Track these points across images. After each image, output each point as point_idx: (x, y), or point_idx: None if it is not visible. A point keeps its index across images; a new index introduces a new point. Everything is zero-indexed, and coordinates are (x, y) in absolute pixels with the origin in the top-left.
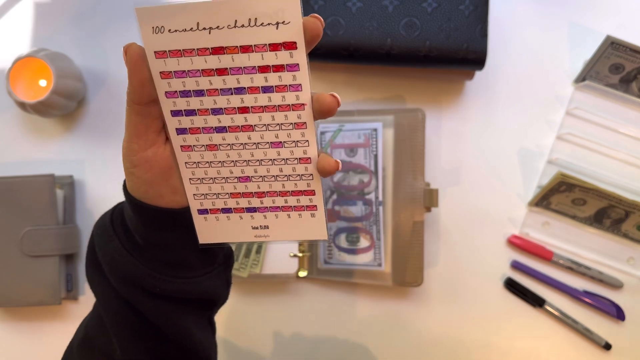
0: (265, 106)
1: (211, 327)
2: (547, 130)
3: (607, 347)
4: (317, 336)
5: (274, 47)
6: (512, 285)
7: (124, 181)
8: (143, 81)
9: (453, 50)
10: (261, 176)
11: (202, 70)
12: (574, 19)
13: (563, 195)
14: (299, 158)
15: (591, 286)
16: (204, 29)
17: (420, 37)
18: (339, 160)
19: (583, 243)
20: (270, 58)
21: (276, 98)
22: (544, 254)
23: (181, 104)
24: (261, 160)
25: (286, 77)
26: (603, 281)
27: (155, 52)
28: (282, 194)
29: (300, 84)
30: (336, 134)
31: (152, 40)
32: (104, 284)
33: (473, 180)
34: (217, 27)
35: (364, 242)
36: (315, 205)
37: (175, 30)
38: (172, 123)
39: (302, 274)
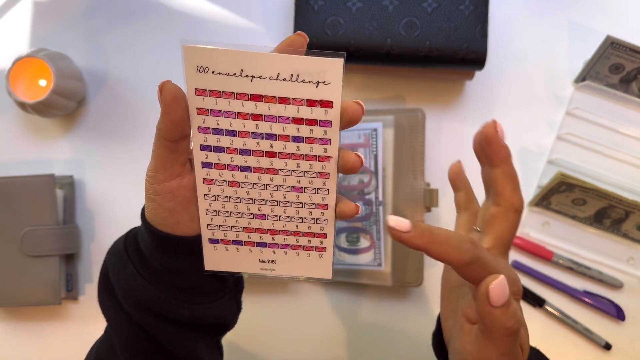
0: (292, 154)
1: (219, 350)
2: (547, 130)
3: (607, 347)
4: (317, 336)
5: (311, 103)
6: None
7: (143, 207)
8: (176, 121)
9: (453, 51)
10: (277, 215)
11: (237, 112)
12: (573, 19)
13: (563, 195)
14: (317, 204)
15: (591, 286)
16: (247, 76)
17: (420, 37)
18: (359, 205)
19: (583, 243)
20: (306, 112)
21: (304, 148)
22: (544, 254)
23: (211, 140)
24: (280, 201)
25: (317, 131)
26: (603, 281)
27: (196, 89)
28: (295, 233)
29: (330, 139)
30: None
31: (194, 77)
32: (117, 309)
33: (473, 180)
34: (260, 76)
35: (364, 242)
36: (325, 247)
37: (219, 73)
38: (199, 156)
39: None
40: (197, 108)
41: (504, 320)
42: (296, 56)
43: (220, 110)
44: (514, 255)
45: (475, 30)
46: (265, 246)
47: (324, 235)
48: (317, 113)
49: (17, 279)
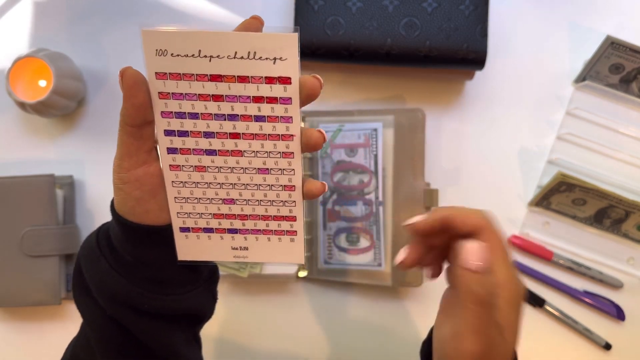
0: (255, 134)
1: (197, 343)
2: (547, 130)
3: (607, 347)
4: (317, 336)
5: (270, 80)
6: None
7: (112, 199)
8: (138, 105)
9: (453, 50)
10: (245, 200)
11: (199, 94)
12: (574, 19)
13: (563, 195)
14: (284, 185)
15: (591, 286)
16: (205, 56)
17: (420, 37)
18: (324, 182)
19: (583, 243)
20: (265, 90)
21: (267, 127)
22: (544, 254)
23: (175, 124)
24: (247, 184)
25: (278, 109)
26: (603, 281)
27: (156, 72)
28: (264, 217)
29: (291, 117)
30: (336, 134)
31: (154, 61)
32: (91, 304)
33: (473, 180)
34: (218, 56)
35: (364, 242)
36: (296, 231)
37: (178, 55)
38: (163, 142)
39: (302, 274)
40: (159, 92)
41: (472, 284)
42: (252, 33)
43: (182, 93)
44: (514, 256)
45: (476, 30)
46: (237, 232)
47: (294, 218)
48: (277, 90)
49: (17, 279)
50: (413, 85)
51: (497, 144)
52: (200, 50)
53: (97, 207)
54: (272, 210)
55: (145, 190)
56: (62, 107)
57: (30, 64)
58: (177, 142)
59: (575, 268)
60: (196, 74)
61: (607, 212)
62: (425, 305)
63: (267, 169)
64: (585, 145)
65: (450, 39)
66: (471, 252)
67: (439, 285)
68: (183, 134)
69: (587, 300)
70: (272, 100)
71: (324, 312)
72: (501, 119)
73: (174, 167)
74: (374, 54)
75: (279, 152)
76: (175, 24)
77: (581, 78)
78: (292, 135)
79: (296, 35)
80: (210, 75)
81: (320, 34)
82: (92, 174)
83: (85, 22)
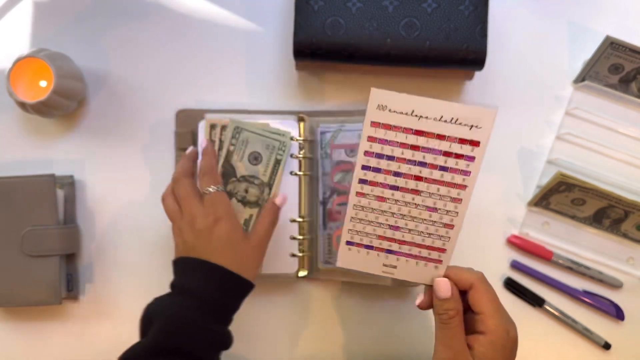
0: (436, 180)
1: None
2: (546, 131)
3: (607, 346)
4: (317, 336)
5: (462, 141)
6: (511, 285)
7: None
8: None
9: (453, 51)
10: (409, 229)
11: (400, 142)
12: (573, 19)
13: (562, 195)
14: (445, 224)
15: (591, 286)
16: (416, 115)
17: (420, 38)
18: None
19: (583, 243)
20: (456, 148)
21: (447, 176)
22: (543, 254)
23: (373, 162)
24: (414, 217)
25: (461, 164)
26: (603, 281)
27: (372, 121)
28: (419, 246)
29: (470, 172)
30: (336, 134)
31: (373, 112)
32: None
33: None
34: (427, 117)
35: None
36: (442, 260)
37: (394, 111)
38: (358, 173)
39: (302, 273)
40: (368, 136)
41: (438, 308)
42: (460, 105)
43: (387, 140)
44: (514, 255)
45: (475, 30)
46: (392, 253)
47: (444, 250)
48: (465, 149)
49: (17, 279)
50: (413, 85)
51: (496, 144)
52: (413, 110)
53: (97, 206)
54: (428, 241)
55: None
56: (63, 107)
57: (31, 64)
58: (370, 175)
59: (574, 268)
60: (403, 127)
61: (606, 212)
62: None
63: (436, 208)
64: (585, 145)
65: (450, 39)
66: (439, 285)
67: None
68: (377, 170)
69: (586, 300)
70: (459, 156)
71: (324, 312)
72: (501, 119)
73: (359, 194)
74: (374, 54)
75: (451, 197)
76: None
77: (580, 78)
78: (466, 186)
79: (496, 112)
80: (415, 129)
81: (320, 34)
82: (93, 174)
83: (86, 22)
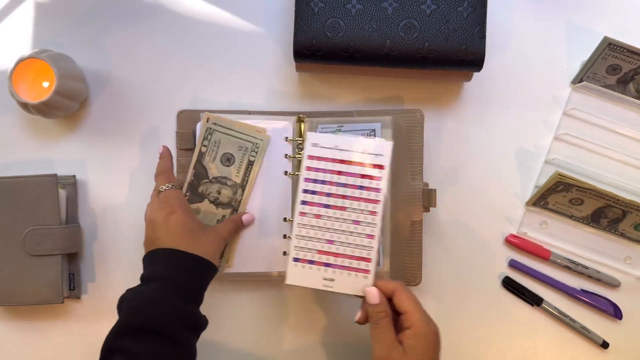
0: (357, 197)
1: None
2: (544, 131)
3: (605, 345)
4: (316, 335)
5: (374, 166)
6: (510, 284)
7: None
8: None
9: (451, 52)
10: (341, 242)
11: (330, 170)
12: (571, 20)
13: (560, 195)
14: (367, 234)
15: (589, 285)
16: (342, 150)
17: (419, 39)
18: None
19: (580, 242)
20: (369, 171)
21: (364, 193)
22: (541, 253)
23: (311, 186)
24: (344, 231)
25: (374, 183)
26: (600, 280)
27: (308, 155)
28: (350, 257)
29: (380, 189)
30: (335, 134)
31: (309, 149)
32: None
33: (471, 180)
34: (347, 149)
35: None
36: (369, 270)
37: (324, 147)
38: (300, 196)
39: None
40: (307, 166)
41: (370, 311)
42: (368, 139)
43: (319, 168)
44: (512, 255)
45: (474, 31)
46: (330, 266)
47: (369, 260)
48: (375, 172)
49: (19, 278)
50: (412, 86)
51: (495, 144)
52: (336, 145)
53: (99, 206)
54: (356, 252)
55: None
56: (65, 107)
57: (33, 65)
58: (309, 197)
59: (572, 267)
60: (332, 158)
61: (604, 212)
62: (423, 303)
63: (359, 221)
64: (583, 146)
65: (448, 41)
66: (369, 293)
67: (437, 284)
68: (314, 192)
69: (584, 299)
70: (371, 177)
71: (323, 311)
72: (499, 120)
73: (302, 214)
74: (373, 56)
75: (369, 211)
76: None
77: (578, 79)
78: (378, 200)
79: (392, 143)
80: (340, 159)
81: (320, 35)
82: (95, 174)
83: (88, 23)
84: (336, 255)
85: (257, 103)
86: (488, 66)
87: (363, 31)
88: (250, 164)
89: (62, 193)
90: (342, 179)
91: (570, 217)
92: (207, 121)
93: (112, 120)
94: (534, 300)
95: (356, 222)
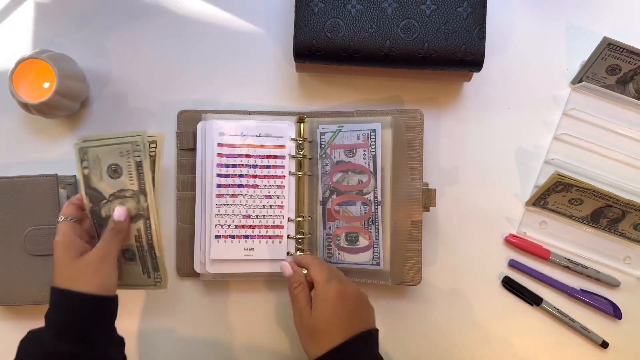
0: (266, 175)
1: None
2: (544, 131)
3: (605, 345)
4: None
5: (276, 146)
6: (509, 284)
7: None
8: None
9: (451, 52)
10: (257, 215)
11: (238, 154)
12: (571, 21)
13: (560, 195)
14: (277, 205)
15: (588, 285)
16: (244, 135)
17: (418, 39)
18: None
19: (580, 242)
20: (273, 151)
21: (272, 171)
22: (541, 253)
23: (223, 171)
24: (258, 205)
25: (278, 161)
26: (600, 280)
27: (218, 143)
28: (265, 227)
29: (284, 166)
30: (335, 134)
31: (218, 137)
32: None
33: (471, 180)
34: (251, 135)
35: (362, 242)
36: (282, 236)
37: (230, 135)
38: (215, 180)
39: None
40: (217, 153)
41: (288, 283)
42: (268, 123)
43: (230, 154)
44: (512, 255)
45: (473, 32)
46: (249, 237)
47: (281, 227)
48: (278, 152)
49: (20, 278)
50: (411, 86)
51: (494, 144)
52: (242, 132)
53: None
54: (269, 221)
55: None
56: (65, 108)
57: (34, 65)
58: (222, 180)
59: (572, 267)
60: (238, 144)
61: (603, 212)
62: (422, 303)
63: (270, 195)
64: (582, 146)
65: (448, 41)
66: (283, 267)
67: (437, 284)
68: (227, 176)
69: (584, 299)
70: (275, 157)
71: None
72: (499, 120)
73: (218, 195)
74: (373, 56)
75: (277, 185)
76: (229, 114)
77: (578, 79)
78: (283, 176)
79: (289, 124)
80: (247, 144)
81: (320, 36)
82: None
83: (88, 23)
84: (253, 227)
85: (257, 103)
86: (488, 66)
87: (363, 31)
88: (139, 165)
89: (63, 193)
90: (251, 161)
91: (570, 217)
92: (76, 145)
93: (113, 120)
94: (534, 300)
95: (267, 197)
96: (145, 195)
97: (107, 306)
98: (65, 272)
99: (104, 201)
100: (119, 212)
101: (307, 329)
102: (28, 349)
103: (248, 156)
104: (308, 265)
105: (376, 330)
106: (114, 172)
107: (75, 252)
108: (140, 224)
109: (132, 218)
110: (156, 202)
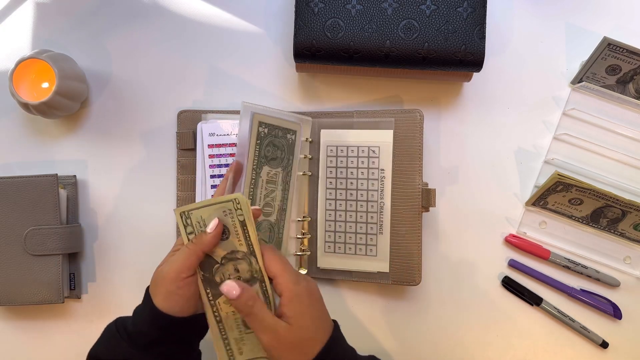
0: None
1: None
2: (544, 131)
3: (604, 345)
4: None
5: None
6: (509, 284)
7: (149, 303)
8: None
9: (451, 52)
10: None
11: (230, 154)
12: (571, 21)
13: (560, 195)
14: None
15: (588, 285)
16: (230, 135)
17: (418, 39)
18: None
19: (580, 242)
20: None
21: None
22: (541, 253)
23: (216, 171)
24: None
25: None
26: (600, 280)
27: (208, 144)
28: None
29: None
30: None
31: (208, 138)
32: None
33: (471, 180)
34: (235, 134)
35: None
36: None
37: (219, 135)
38: (208, 182)
39: (302, 272)
40: (209, 154)
41: (236, 306)
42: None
43: (218, 154)
44: (512, 255)
45: (473, 32)
46: None
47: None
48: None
49: (20, 278)
50: (411, 86)
51: (494, 144)
52: (231, 131)
53: (100, 206)
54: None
55: (192, 291)
56: (65, 108)
57: (34, 65)
58: (217, 181)
59: (572, 267)
60: (229, 143)
61: (603, 212)
62: (423, 303)
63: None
64: (582, 146)
65: (448, 41)
66: (227, 289)
67: (437, 284)
68: (220, 176)
69: (584, 298)
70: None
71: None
72: (499, 120)
73: (213, 187)
74: (373, 56)
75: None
76: (220, 113)
77: (578, 79)
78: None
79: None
80: (229, 144)
81: (320, 36)
82: (95, 174)
83: (88, 23)
84: None
85: (258, 103)
86: (488, 66)
87: (363, 32)
88: (243, 224)
89: (63, 193)
90: (230, 161)
91: (570, 217)
92: (176, 210)
93: (113, 120)
94: (534, 300)
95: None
96: (255, 256)
97: (181, 327)
98: (153, 287)
99: (217, 265)
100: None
101: (290, 343)
102: (106, 344)
103: (233, 155)
104: (264, 255)
105: (335, 321)
106: (222, 233)
107: (163, 266)
108: (257, 287)
109: (248, 280)
110: (262, 263)
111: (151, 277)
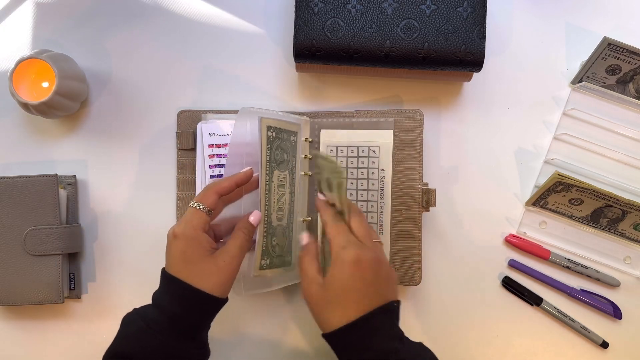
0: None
1: None
2: (544, 131)
3: (605, 345)
4: (316, 335)
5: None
6: (509, 284)
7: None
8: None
9: (451, 52)
10: None
11: (222, 154)
12: (571, 20)
13: (560, 195)
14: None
15: (588, 285)
16: (229, 135)
17: (418, 39)
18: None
19: (580, 242)
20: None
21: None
22: (541, 253)
23: (216, 171)
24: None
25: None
26: (600, 280)
27: (208, 144)
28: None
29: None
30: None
31: (208, 138)
32: None
33: (471, 180)
34: (229, 134)
35: None
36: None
37: (218, 135)
38: (208, 172)
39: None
40: (209, 155)
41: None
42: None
43: (218, 154)
44: (512, 255)
45: (473, 32)
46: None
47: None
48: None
49: (20, 278)
50: (411, 86)
51: (494, 144)
52: (230, 132)
53: (100, 206)
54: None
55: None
56: (65, 108)
57: (33, 65)
58: (214, 172)
59: (572, 267)
60: (222, 143)
61: (603, 212)
62: (423, 303)
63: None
64: (582, 146)
65: (448, 41)
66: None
67: (437, 284)
68: (220, 175)
69: (584, 298)
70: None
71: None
72: (499, 120)
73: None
74: (373, 56)
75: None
76: (218, 113)
77: (578, 79)
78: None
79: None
80: (225, 143)
81: (320, 36)
82: (95, 174)
83: (88, 23)
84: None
85: (257, 103)
86: (488, 66)
87: (363, 31)
88: (340, 186)
89: (63, 193)
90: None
91: (570, 217)
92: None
93: (113, 120)
94: (534, 300)
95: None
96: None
97: (219, 308)
98: (193, 267)
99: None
100: (256, 218)
101: (319, 299)
102: (136, 338)
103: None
104: (325, 225)
105: (398, 302)
106: (328, 186)
107: (204, 250)
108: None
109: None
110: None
111: (151, 277)
